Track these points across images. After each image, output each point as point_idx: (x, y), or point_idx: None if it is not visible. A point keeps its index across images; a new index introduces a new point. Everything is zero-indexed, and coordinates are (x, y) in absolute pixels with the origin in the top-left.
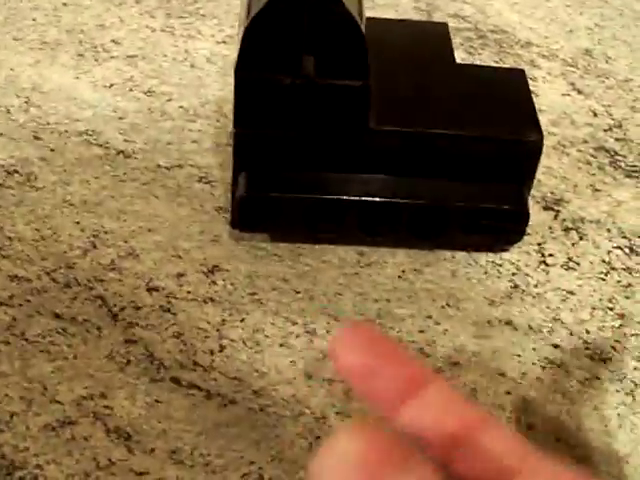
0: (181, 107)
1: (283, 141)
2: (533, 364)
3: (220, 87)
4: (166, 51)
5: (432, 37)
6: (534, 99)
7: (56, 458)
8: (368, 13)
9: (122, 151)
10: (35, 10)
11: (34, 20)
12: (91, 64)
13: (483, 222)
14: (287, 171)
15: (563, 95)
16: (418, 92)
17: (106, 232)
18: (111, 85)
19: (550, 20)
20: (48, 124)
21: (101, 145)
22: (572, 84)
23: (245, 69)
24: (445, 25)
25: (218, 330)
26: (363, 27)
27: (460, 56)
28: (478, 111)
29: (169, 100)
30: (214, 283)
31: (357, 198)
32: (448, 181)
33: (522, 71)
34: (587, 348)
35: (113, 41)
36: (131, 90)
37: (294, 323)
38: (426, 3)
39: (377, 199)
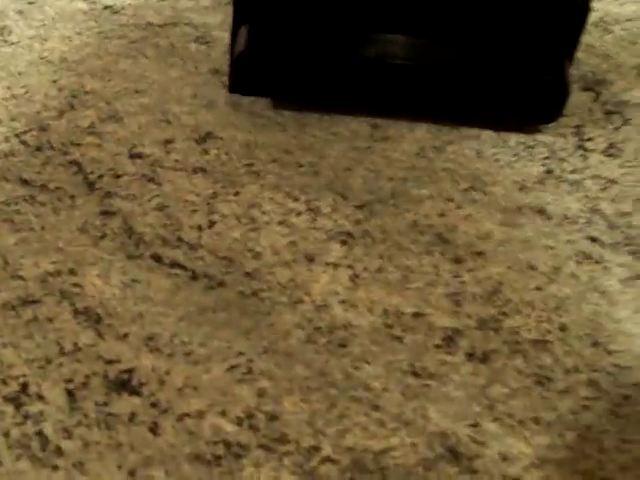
0: None
1: None
2: (567, 258)
3: None
4: None
5: None
6: None
7: (15, 340)
8: None
9: (109, 6)
10: None
11: None
12: None
13: (516, 92)
14: (295, 25)
15: None
16: None
17: (86, 92)
18: None
19: None
20: None
21: None
22: None
23: None
24: None
25: (208, 204)
26: None
27: None
28: None
29: None
30: (206, 152)
31: (374, 58)
32: (480, 44)
33: None
34: (628, 244)
35: None
36: None
37: (295, 199)
38: None
39: (397, 60)
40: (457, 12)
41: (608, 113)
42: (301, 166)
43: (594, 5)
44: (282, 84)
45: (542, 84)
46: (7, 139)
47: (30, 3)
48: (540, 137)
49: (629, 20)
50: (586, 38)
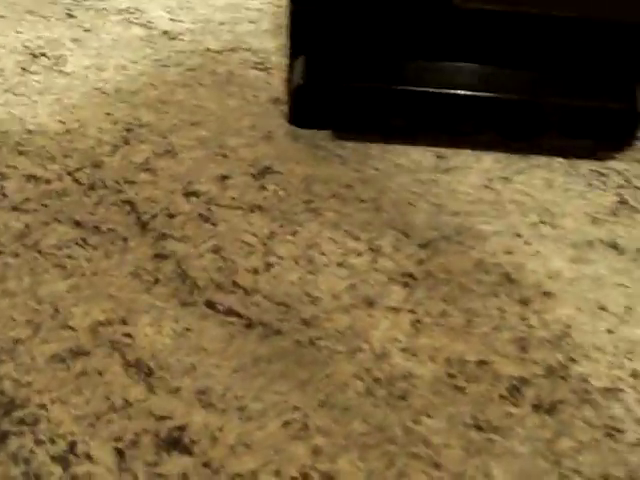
0: None
1: (349, 19)
2: None
3: None
4: None
5: None
6: None
7: (63, 396)
8: None
9: (167, 32)
10: None
11: None
12: None
13: (586, 123)
14: (353, 56)
15: None
16: None
17: (141, 125)
18: None
19: None
20: (84, 0)
21: (143, 25)
22: None
23: None
24: None
25: (265, 244)
26: None
27: None
28: None
29: None
30: (263, 188)
31: (436, 90)
32: (544, 73)
33: None
34: None
35: None
36: None
37: (356, 238)
38: None
39: (460, 91)
40: (527, 40)
41: None
42: (362, 201)
43: None
44: (342, 116)
45: (613, 110)
46: (60, 177)
47: (86, 31)
48: (614, 164)
49: None
50: None
